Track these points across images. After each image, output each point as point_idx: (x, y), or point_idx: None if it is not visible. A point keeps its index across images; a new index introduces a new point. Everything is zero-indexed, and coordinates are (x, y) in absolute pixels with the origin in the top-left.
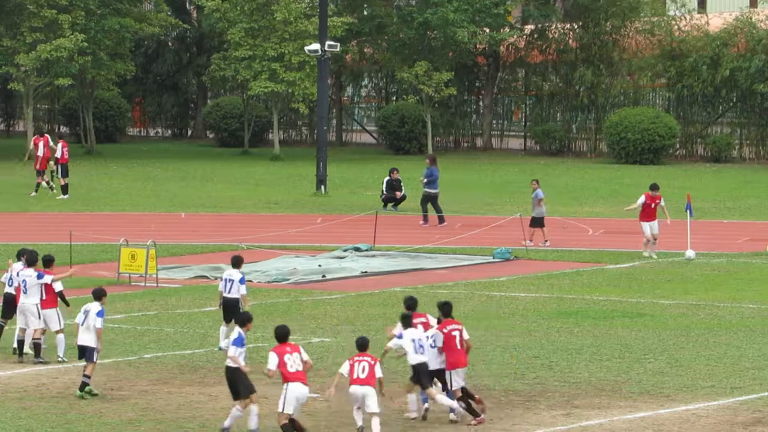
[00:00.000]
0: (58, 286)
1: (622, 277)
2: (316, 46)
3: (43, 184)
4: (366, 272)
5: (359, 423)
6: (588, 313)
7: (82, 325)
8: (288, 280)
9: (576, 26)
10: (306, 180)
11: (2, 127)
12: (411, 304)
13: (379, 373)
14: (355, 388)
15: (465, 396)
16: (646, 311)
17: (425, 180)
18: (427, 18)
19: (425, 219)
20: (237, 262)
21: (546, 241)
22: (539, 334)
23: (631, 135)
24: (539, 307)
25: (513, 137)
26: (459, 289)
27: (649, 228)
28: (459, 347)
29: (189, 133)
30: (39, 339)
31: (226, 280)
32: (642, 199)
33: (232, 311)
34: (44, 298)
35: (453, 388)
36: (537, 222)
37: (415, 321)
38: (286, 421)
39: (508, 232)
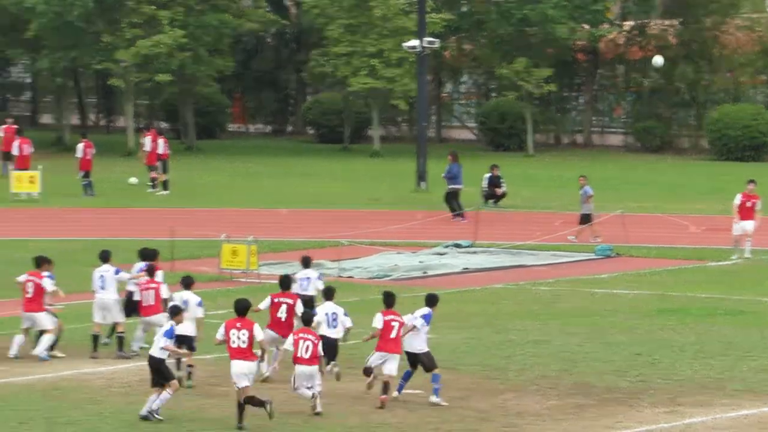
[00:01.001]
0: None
1: (724, 274)
2: (414, 42)
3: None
4: (467, 269)
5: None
6: (690, 311)
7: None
8: (389, 276)
9: (676, 22)
10: (406, 176)
11: (103, 123)
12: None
13: (320, 351)
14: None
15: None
16: (749, 309)
17: (448, 176)
18: (526, 14)
19: (461, 216)
20: (307, 262)
21: (596, 237)
22: (641, 331)
23: (732, 132)
24: (641, 305)
25: (613, 134)
26: (560, 285)
27: (741, 227)
28: (393, 337)
29: (289, 129)
30: (122, 333)
31: (301, 279)
32: (737, 199)
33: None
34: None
35: (385, 373)
36: (585, 219)
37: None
38: (241, 398)
39: (607, 229)
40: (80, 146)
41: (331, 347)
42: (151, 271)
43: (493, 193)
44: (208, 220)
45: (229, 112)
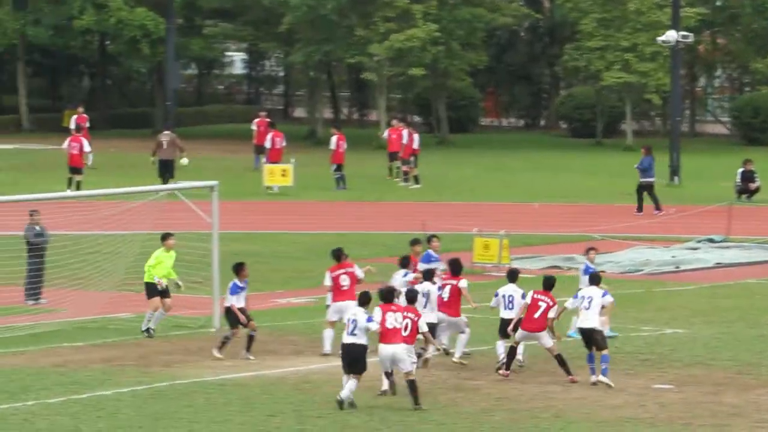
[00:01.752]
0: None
1: None
2: (669, 36)
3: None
4: (720, 264)
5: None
6: None
7: None
8: (641, 270)
9: None
10: (659, 171)
11: (356, 116)
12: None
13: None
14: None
15: None
16: None
17: (640, 169)
18: None
19: (659, 209)
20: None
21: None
22: None
23: None
24: None
25: None
26: None
27: None
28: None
29: (541, 123)
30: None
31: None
32: None
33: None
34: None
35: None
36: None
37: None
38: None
39: None
40: (334, 139)
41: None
42: (429, 276)
43: (746, 188)
44: (459, 213)
45: (481, 106)
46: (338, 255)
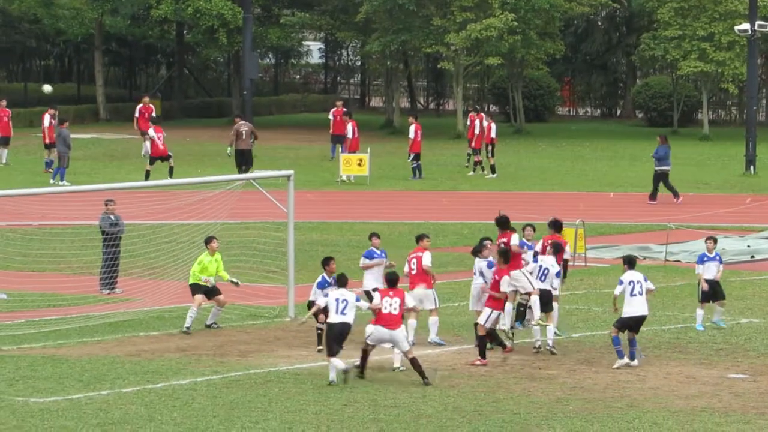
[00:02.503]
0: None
1: None
2: (746, 25)
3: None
4: None
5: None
6: None
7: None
8: None
9: None
10: (735, 160)
11: (432, 106)
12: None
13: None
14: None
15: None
16: None
17: (656, 157)
18: None
19: (677, 196)
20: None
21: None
22: None
23: None
24: None
25: None
26: None
27: None
28: None
29: (618, 112)
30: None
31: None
32: None
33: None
34: None
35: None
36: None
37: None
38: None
39: None
40: (412, 128)
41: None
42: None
43: None
44: (535, 203)
45: (558, 95)
46: (418, 239)
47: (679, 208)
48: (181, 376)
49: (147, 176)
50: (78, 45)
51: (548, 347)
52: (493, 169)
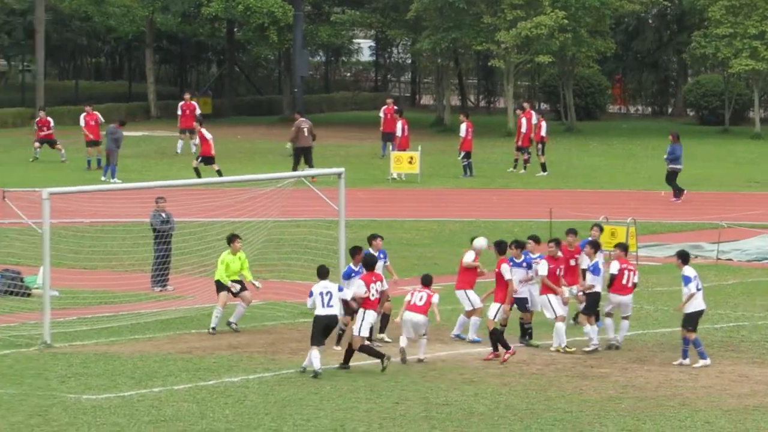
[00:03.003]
0: None
1: None
2: None
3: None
4: None
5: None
6: None
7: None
8: (767, 258)
9: None
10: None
11: (483, 104)
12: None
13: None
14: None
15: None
16: None
17: (672, 158)
18: None
19: (676, 195)
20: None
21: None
22: None
23: None
24: None
25: None
26: None
27: None
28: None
29: (669, 110)
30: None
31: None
32: None
33: None
34: None
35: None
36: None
37: None
38: (363, 344)
39: None
40: (463, 126)
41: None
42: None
43: None
44: (586, 201)
45: (609, 93)
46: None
47: (730, 206)
48: (233, 373)
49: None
50: (129, 43)
51: (616, 342)
52: (543, 167)
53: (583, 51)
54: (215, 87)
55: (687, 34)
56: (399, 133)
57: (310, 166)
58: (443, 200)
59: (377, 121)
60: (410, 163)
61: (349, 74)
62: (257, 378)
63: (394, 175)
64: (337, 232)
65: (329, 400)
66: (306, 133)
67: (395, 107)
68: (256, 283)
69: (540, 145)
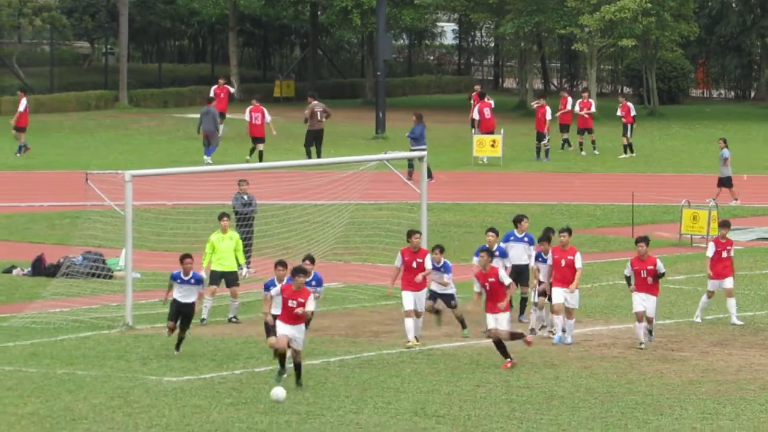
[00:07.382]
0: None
1: None
2: None
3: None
4: None
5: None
6: None
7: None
8: None
9: None
10: None
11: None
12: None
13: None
14: None
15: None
16: None
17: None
18: None
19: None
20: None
21: (735, 199)
22: None
23: None
24: None
25: None
26: None
27: None
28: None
29: (752, 94)
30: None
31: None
32: None
33: None
34: None
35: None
36: (723, 182)
37: None
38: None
39: None
40: (549, 109)
41: None
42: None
43: None
44: (668, 185)
45: (692, 77)
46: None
47: None
48: (314, 356)
49: (260, 157)
50: (212, 25)
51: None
52: (630, 148)
53: (667, 35)
54: (298, 70)
55: None
56: (476, 116)
57: (319, 153)
58: (525, 183)
59: (460, 104)
60: (493, 146)
61: (432, 57)
62: (338, 361)
63: (485, 160)
64: (419, 215)
65: (410, 382)
66: (319, 117)
67: (481, 90)
68: (245, 269)
69: (629, 127)
